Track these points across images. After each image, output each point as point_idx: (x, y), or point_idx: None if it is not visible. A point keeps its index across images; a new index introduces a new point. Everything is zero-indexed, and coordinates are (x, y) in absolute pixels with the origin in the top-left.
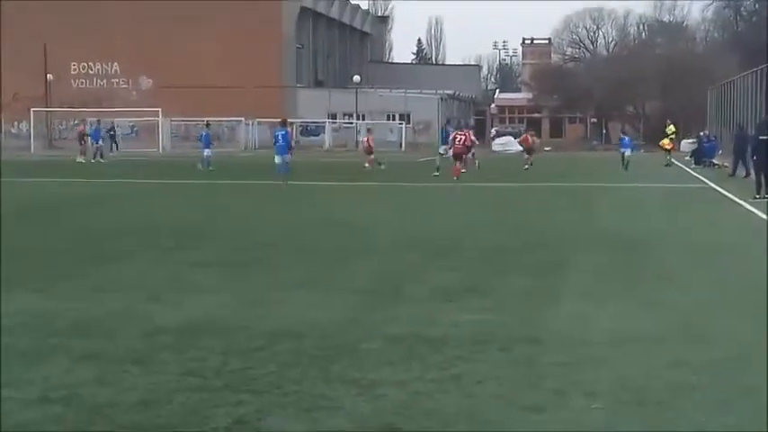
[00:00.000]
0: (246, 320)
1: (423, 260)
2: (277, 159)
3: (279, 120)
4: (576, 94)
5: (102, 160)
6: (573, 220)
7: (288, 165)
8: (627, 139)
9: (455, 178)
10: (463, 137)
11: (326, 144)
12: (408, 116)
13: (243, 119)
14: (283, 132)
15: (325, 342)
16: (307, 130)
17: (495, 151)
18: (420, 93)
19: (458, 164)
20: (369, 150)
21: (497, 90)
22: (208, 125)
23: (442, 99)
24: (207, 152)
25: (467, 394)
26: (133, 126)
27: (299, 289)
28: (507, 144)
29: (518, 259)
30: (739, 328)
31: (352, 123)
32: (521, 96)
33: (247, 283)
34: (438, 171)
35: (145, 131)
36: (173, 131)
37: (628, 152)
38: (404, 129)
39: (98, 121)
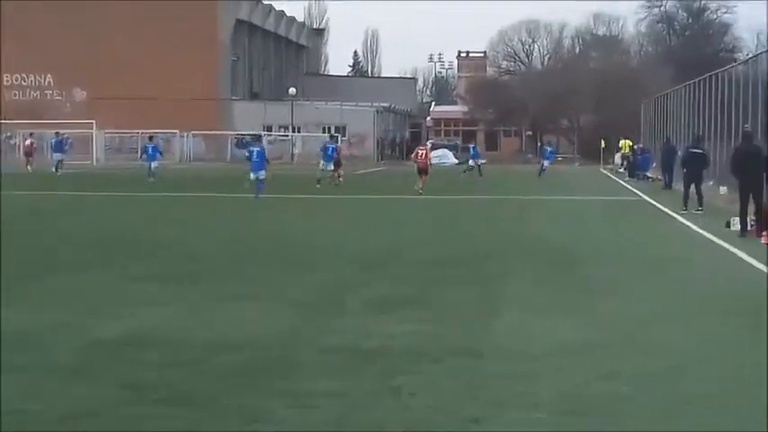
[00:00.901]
0: (185, 333)
1: (362, 273)
2: (252, 176)
3: (252, 134)
4: (511, 106)
5: (58, 172)
6: (513, 232)
7: (262, 182)
8: (548, 150)
9: (420, 189)
10: (424, 151)
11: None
12: (344, 129)
13: (177, 131)
14: (258, 149)
15: (263, 354)
16: (242, 143)
17: (430, 164)
18: (356, 105)
19: (423, 177)
20: (337, 161)
21: (433, 103)
22: (151, 138)
23: (377, 111)
24: (154, 164)
25: (403, 406)
26: (67, 138)
27: (239, 301)
28: (443, 156)
29: (458, 271)
30: (675, 338)
31: (287, 136)
32: (456, 109)
33: (187, 296)
34: (319, 183)
35: (79, 143)
36: (107, 144)
37: (546, 163)
38: (339, 141)
39: (56, 133)
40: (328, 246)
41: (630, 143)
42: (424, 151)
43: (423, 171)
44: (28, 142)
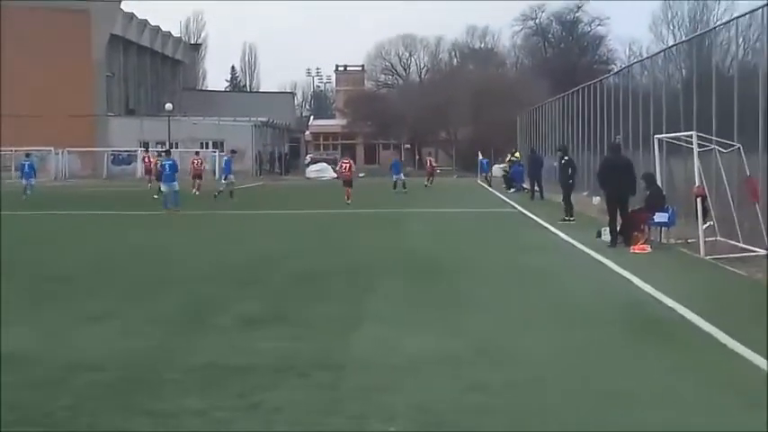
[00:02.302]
0: (42, 354)
1: (229, 289)
2: (164, 188)
3: (164, 150)
4: (389, 120)
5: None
6: (384, 245)
7: (177, 193)
8: (398, 163)
9: (348, 201)
10: (348, 164)
11: (138, 172)
12: (222, 144)
13: (52, 148)
14: (170, 162)
15: (124, 374)
16: (118, 159)
17: (309, 178)
18: (234, 120)
19: (349, 189)
20: (197, 174)
21: (312, 117)
22: (28, 155)
23: (255, 126)
24: (29, 181)
25: (265, 421)
26: None
27: (100, 321)
28: (322, 171)
29: (325, 285)
30: (536, 348)
31: (169, 152)
32: (335, 123)
33: (45, 316)
34: (217, 195)
35: None
36: None
37: (401, 177)
38: (217, 157)
39: (27, 155)
40: (200, 261)
41: (519, 155)
42: (348, 164)
43: (348, 183)
44: None
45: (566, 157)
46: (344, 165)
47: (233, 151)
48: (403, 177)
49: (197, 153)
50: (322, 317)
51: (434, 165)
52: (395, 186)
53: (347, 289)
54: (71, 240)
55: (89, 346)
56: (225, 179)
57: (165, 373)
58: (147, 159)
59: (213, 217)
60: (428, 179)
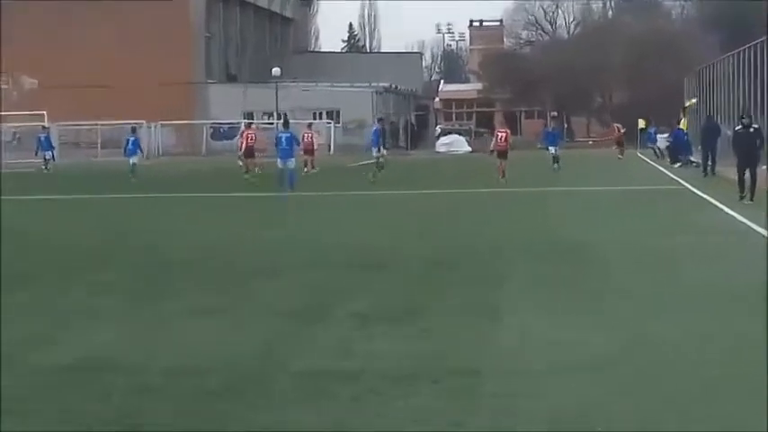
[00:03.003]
0: (141, 356)
1: (347, 279)
2: (280, 165)
3: (281, 120)
4: (532, 83)
5: (48, 170)
6: (524, 227)
7: (294, 173)
8: (553, 132)
9: (502, 179)
10: (504, 134)
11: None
12: (338, 113)
13: (143, 122)
14: (287, 135)
15: (229, 379)
16: (219, 133)
17: (439, 152)
18: (351, 86)
19: (502, 162)
20: (308, 149)
21: (442, 81)
22: (134, 130)
23: (377, 93)
24: (133, 160)
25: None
26: (15, 133)
27: (207, 317)
28: (454, 144)
29: (457, 273)
30: (703, 347)
31: (272, 124)
32: (469, 88)
33: (146, 312)
34: (374, 177)
35: (28, 139)
36: (61, 137)
37: (553, 150)
38: (332, 129)
39: (44, 127)
40: (317, 247)
41: (686, 123)
42: (505, 134)
43: (503, 155)
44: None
45: (754, 126)
46: (501, 134)
47: (380, 119)
48: (556, 151)
49: (309, 125)
50: (454, 309)
51: (622, 131)
52: (555, 161)
53: (483, 276)
54: (175, 226)
55: (194, 346)
56: (377, 152)
57: (273, 379)
58: (250, 136)
59: (328, 199)
60: (619, 150)
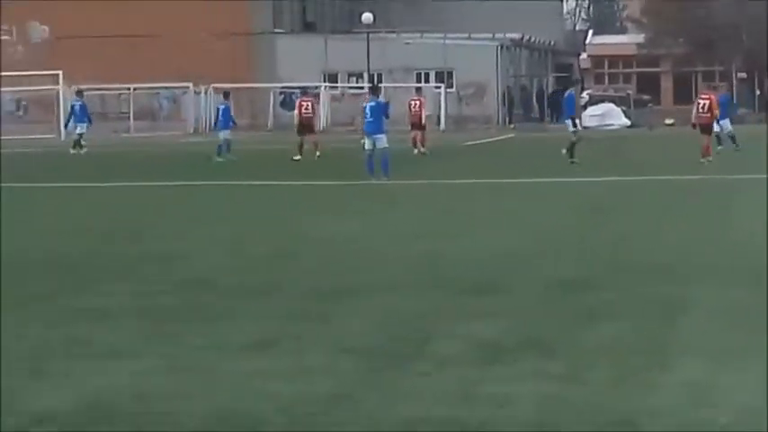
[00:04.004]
0: (173, 401)
1: (455, 300)
2: (367, 144)
3: (369, 86)
4: (713, 34)
5: (81, 151)
6: (701, 236)
7: (386, 153)
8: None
9: (707, 159)
10: (707, 101)
11: (322, 120)
12: (450, 75)
13: (191, 85)
14: (373, 104)
15: None
16: (290, 100)
17: (587, 127)
18: (468, 38)
19: (706, 139)
20: (416, 122)
21: (590, 32)
22: (226, 95)
23: (502, 47)
24: (224, 134)
25: None
26: (19, 100)
27: (256, 351)
28: (607, 115)
29: (605, 295)
30: None
31: (362, 88)
32: (627, 41)
33: (174, 344)
34: (573, 157)
35: (37, 107)
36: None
37: (724, 124)
38: (443, 95)
39: (79, 91)
40: (405, 259)
41: None
42: (709, 100)
43: (706, 129)
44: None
45: None
46: (704, 101)
47: (576, 80)
48: (728, 127)
49: (417, 90)
50: (598, 348)
51: None
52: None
53: (637, 303)
54: (213, 230)
55: (241, 388)
56: (574, 127)
57: None
58: (305, 105)
59: (432, 189)
60: None
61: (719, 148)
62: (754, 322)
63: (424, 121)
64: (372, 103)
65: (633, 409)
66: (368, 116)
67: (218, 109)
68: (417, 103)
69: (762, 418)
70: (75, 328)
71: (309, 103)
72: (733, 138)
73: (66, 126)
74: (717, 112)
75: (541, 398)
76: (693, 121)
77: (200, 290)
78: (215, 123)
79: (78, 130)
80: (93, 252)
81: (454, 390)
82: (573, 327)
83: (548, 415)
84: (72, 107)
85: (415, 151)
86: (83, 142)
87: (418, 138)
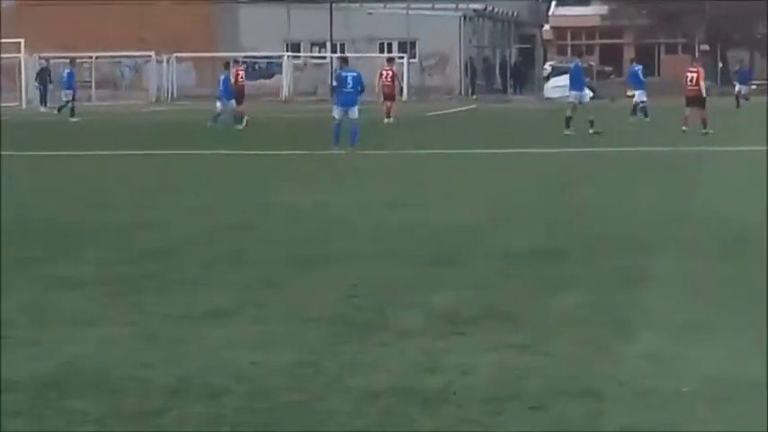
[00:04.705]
0: (138, 369)
1: (417, 271)
2: (336, 113)
3: (340, 56)
4: (676, 7)
5: (74, 119)
6: (663, 207)
7: (356, 123)
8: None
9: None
10: (695, 74)
11: (284, 90)
12: (413, 45)
13: (152, 54)
14: (354, 74)
15: (259, 400)
16: (254, 71)
17: (549, 99)
18: (432, 8)
19: (699, 112)
20: (389, 92)
21: (553, 2)
22: (227, 65)
23: (465, 17)
24: (226, 103)
25: None
26: None
27: (222, 318)
28: (568, 87)
29: (568, 267)
30: None
31: (324, 58)
32: (590, 12)
33: (139, 311)
34: (569, 128)
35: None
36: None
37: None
38: (406, 65)
39: (72, 60)
40: (365, 230)
41: None
42: (697, 73)
43: (697, 101)
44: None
45: None
46: (692, 74)
47: (579, 55)
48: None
49: (389, 61)
50: (561, 318)
51: None
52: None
53: (603, 275)
54: (177, 197)
55: (207, 356)
56: (579, 100)
57: (320, 401)
58: (240, 74)
59: (396, 159)
60: None
61: (631, 119)
62: (716, 293)
63: (395, 92)
64: (354, 74)
65: (596, 378)
66: (348, 85)
67: (219, 79)
68: (389, 73)
69: (725, 387)
70: (40, 295)
71: (391, 72)
72: (645, 110)
73: (63, 95)
74: (704, 84)
75: (504, 368)
76: (686, 93)
77: (165, 259)
78: (220, 95)
79: (64, 98)
80: (59, 220)
81: (417, 360)
82: (535, 297)
83: (510, 384)
84: (63, 75)
85: (386, 121)
86: (74, 111)
87: (390, 107)
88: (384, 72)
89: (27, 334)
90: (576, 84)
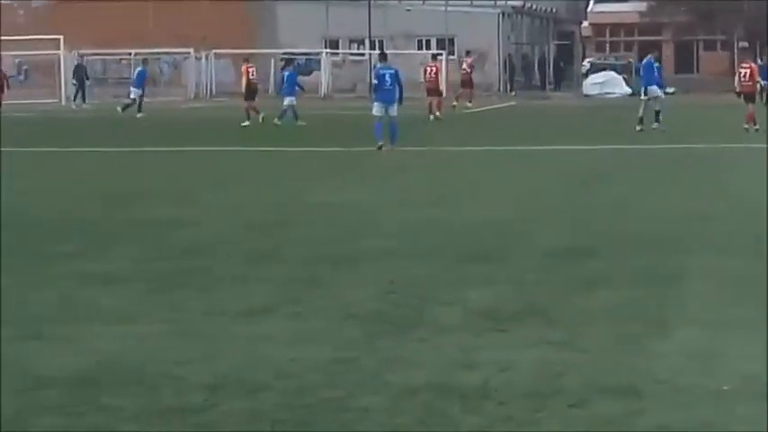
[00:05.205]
0: (175, 366)
1: (455, 268)
2: (376, 110)
3: (379, 53)
4: (715, 4)
5: (140, 114)
6: (698, 205)
7: (395, 121)
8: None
9: (754, 128)
10: (748, 69)
11: (323, 87)
12: (452, 43)
13: (191, 51)
14: (392, 71)
15: (299, 398)
16: (294, 68)
17: (588, 95)
18: (470, 5)
19: (750, 106)
20: (434, 88)
21: (592, 0)
22: (290, 63)
23: (503, 14)
24: (288, 100)
25: None
26: (21, 63)
27: (260, 315)
28: (608, 84)
29: (605, 266)
30: None
31: (363, 55)
32: (629, 8)
33: (177, 308)
34: (641, 124)
35: (39, 72)
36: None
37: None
38: (445, 62)
39: (144, 60)
40: (406, 226)
41: None
42: (749, 69)
43: (750, 98)
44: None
45: None
46: (745, 70)
47: (655, 56)
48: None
49: (434, 57)
50: (598, 315)
51: None
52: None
53: (639, 272)
54: (217, 195)
55: (245, 354)
56: (649, 95)
57: (360, 398)
58: (250, 71)
59: (435, 156)
60: None
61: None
62: (754, 291)
63: (439, 88)
64: (392, 71)
65: (634, 375)
66: (386, 83)
67: (282, 75)
68: (434, 69)
69: (762, 386)
70: (78, 292)
71: (434, 68)
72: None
73: (133, 93)
74: (758, 79)
75: (542, 364)
76: (737, 89)
77: (202, 255)
78: (279, 89)
79: (132, 95)
80: (100, 216)
81: (455, 356)
82: (572, 294)
83: (548, 381)
84: (140, 73)
85: (431, 117)
86: (142, 108)
87: (435, 103)
88: (428, 68)
89: (64, 330)
90: (648, 79)
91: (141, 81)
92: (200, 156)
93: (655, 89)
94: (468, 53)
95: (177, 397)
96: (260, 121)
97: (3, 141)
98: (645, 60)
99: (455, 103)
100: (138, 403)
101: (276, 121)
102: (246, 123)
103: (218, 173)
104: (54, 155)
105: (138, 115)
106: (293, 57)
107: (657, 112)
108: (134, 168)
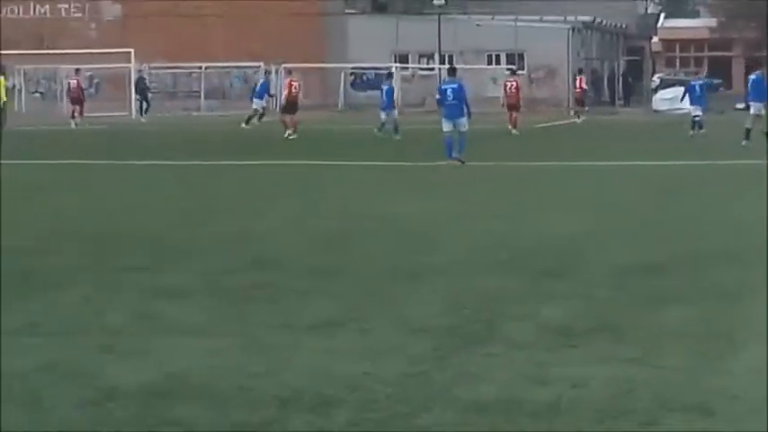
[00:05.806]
0: (246, 379)
1: (525, 283)
2: (446, 126)
3: (448, 67)
4: None
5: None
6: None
7: (464, 136)
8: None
9: None
10: None
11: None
12: (521, 57)
13: (261, 65)
14: (454, 86)
15: (367, 413)
16: (362, 81)
17: (657, 111)
18: (540, 20)
19: None
20: (513, 103)
21: (662, 15)
22: (390, 76)
23: (574, 30)
24: (385, 114)
25: None
26: (92, 77)
27: (329, 329)
28: (677, 99)
29: (677, 282)
30: None
31: (433, 69)
32: (699, 24)
33: (247, 321)
34: (748, 139)
35: (110, 85)
36: (152, 84)
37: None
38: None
39: (267, 72)
40: (474, 242)
41: None
42: None
43: None
44: (74, 83)
45: None
46: None
47: (762, 64)
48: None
49: (513, 72)
50: (671, 331)
51: None
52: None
53: (711, 288)
54: (287, 210)
55: (313, 367)
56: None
57: (430, 414)
58: (294, 86)
59: (506, 170)
60: None
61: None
62: None
63: (519, 103)
64: (455, 86)
65: (707, 392)
66: (449, 98)
67: (381, 89)
68: (513, 84)
69: None
70: (148, 305)
71: (298, 83)
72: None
73: (251, 99)
74: None
75: (613, 381)
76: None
77: (271, 269)
78: (384, 105)
79: (255, 105)
80: (165, 230)
81: (526, 371)
82: (644, 310)
83: (619, 398)
84: (263, 84)
85: (514, 132)
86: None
87: (513, 117)
88: (508, 83)
89: (135, 343)
90: (756, 94)
91: (263, 93)
92: (268, 168)
93: (760, 106)
94: (580, 71)
95: (248, 410)
96: (285, 135)
97: (80, 154)
98: (754, 76)
99: (577, 119)
100: (209, 417)
101: (377, 132)
102: (293, 135)
103: (287, 185)
104: (123, 167)
105: (256, 122)
106: (391, 72)
107: (748, 131)
108: (201, 181)
